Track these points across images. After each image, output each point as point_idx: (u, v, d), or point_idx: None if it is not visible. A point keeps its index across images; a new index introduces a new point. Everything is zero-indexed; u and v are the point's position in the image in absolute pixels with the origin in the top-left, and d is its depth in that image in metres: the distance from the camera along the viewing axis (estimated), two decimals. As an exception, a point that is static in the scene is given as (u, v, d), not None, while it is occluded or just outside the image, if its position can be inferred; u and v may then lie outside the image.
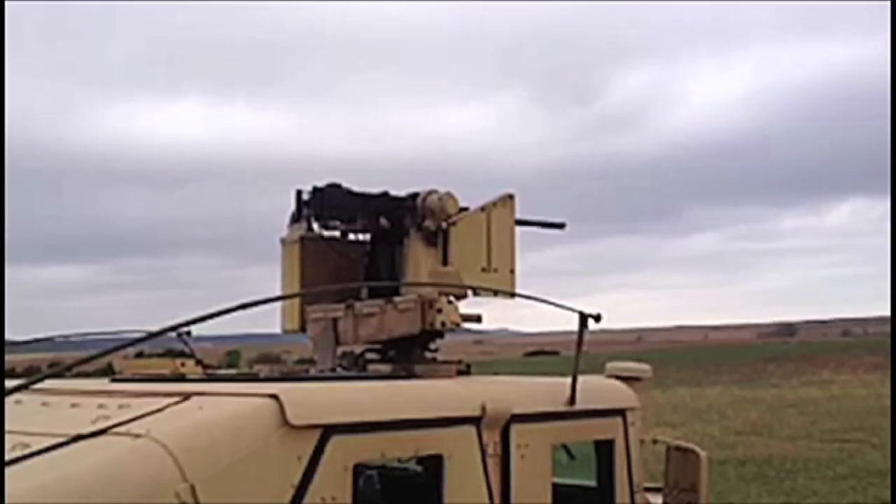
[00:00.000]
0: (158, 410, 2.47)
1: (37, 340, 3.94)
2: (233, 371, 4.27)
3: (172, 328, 2.39)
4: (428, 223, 3.69)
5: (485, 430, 3.00)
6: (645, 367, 4.09)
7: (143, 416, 2.43)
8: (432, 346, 3.70)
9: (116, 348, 2.33)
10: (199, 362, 4.02)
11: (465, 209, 3.80)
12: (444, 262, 3.70)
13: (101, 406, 2.57)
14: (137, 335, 2.48)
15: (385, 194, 3.80)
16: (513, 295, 3.68)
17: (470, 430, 2.96)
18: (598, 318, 3.23)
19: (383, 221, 3.77)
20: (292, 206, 3.82)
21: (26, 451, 2.27)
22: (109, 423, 2.40)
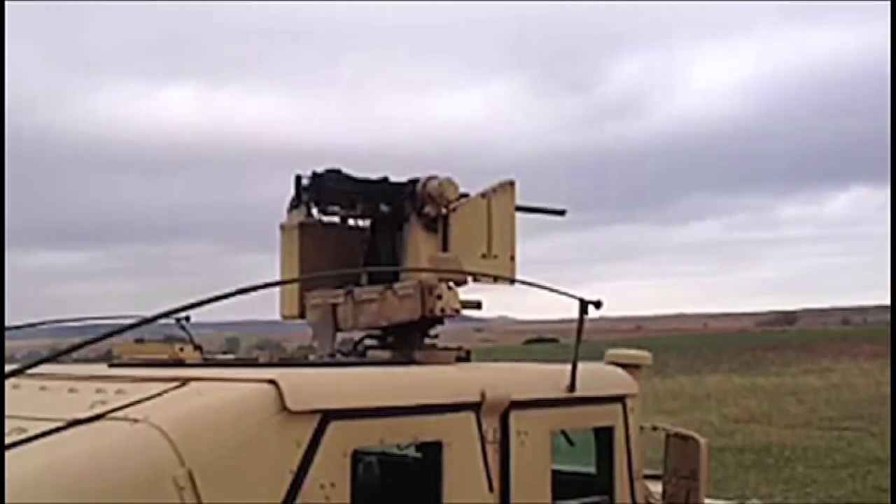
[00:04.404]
0: (156, 396, 2.46)
1: (29, 325, 3.93)
2: (231, 356, 4.26)
3: (169, 313, 2.38)
4: (428, 209, 3.68)
5: (484, 416, 2.99)
6: (645, 354, 4.08)
7: (140, 401, 2.42)
8: (432, 332, 3.68)
9: (112, 333, 2.31)
10: (197, 348, 4.01)
11: (466, 195, 3.78)
12: (444, 249, 3.68)
13: (98, 391, 2.57)
14: (133, 320, 2.47)
15: (385, 180, 3.78)
16: (513, 281, 3.67)
17: (469, 416, 2.95)
18: (598, 305, 3.22)
19: (383, 207, 3.75)
20: (291, 192, 3.80)
21: (23, 436, 2.26)
22: (107, 407, 2.40)
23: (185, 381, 2.55)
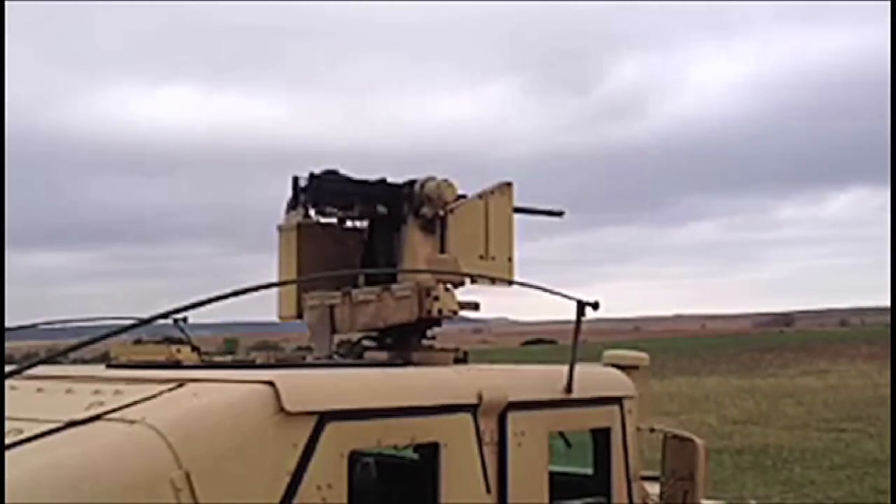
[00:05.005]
0: (153, 397, 2.46)
1: (27, 327, 3.93)
2: (229, 358, 4.26)
3: (166, 314, 2.38)
4: (425, 210, 3.68)
5: (481, 417, 2.99)
6: (642, 355, 4.08)
7: (137, 402, 2.42)
8: (430, 333, 3.68)
9: (109, 335, 2.31)
10: (195, 349, 4.01)
11: (463, 196, 3.78)
12: (442, 250, 3.68)
13: (95, 392, 2.56)
14: (130, 321, 2.47)
15: (383, 181, 3.78)
16: (510, 283, 3.67)
17: (466, 417, 2.95)
18: (595, 307, 3.23)
19: (381, 208, 3.75)
20: (289, 193, 3.80)
21: (20, 437, 2.26)
22: (104, 409, 2.39)
23: (182, 383, 2.55)
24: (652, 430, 4.07)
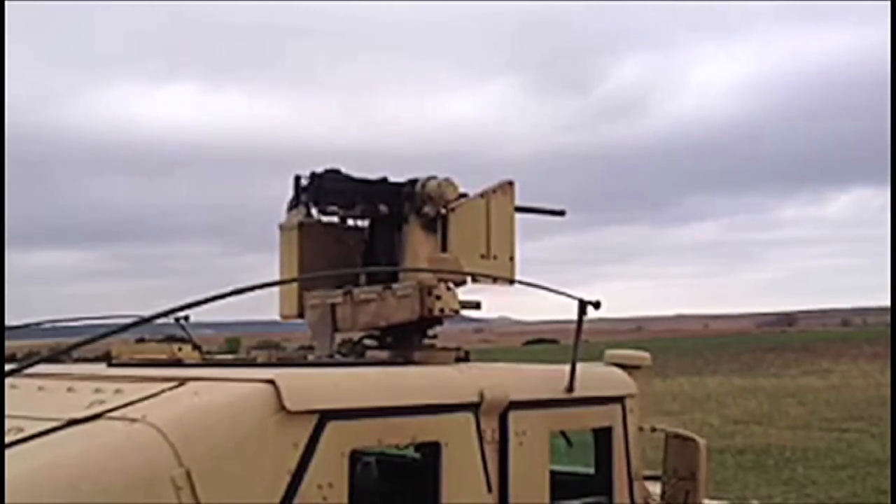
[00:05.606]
0: (154, 395, 2.46)
1: (28, 325, 3.93)
2: (230, 356, 4.26)
3: (167, 312, 2.38)
4: (427, 209, 3.67)
5: (483, 416, 2.99)
6: (644, 354, 4.08)
7: (138, 400, 2.42)
8: (431, 333, 3.68)
9: (110, 333, 2.31)
10: (196, 347, 4.02)
11: (465, 195, 3.78)
12: (443, 249, 3.68)
13: (96, 391, 2.56)
14: (131, 320, 2.47)
15: (384, 180, 3.77)
16: (512, 282, 3.67)
17: (468, 416, 2.95)
18: (597, 306, 3.22)
19: (382, 207, 3.75)
20: (290, 192, 3.79)
21: (21, 436, 2.26)
22: (105, 407, 2.39)
23: (183, 381, 2.55)
24: (654, 430, 4.06)
